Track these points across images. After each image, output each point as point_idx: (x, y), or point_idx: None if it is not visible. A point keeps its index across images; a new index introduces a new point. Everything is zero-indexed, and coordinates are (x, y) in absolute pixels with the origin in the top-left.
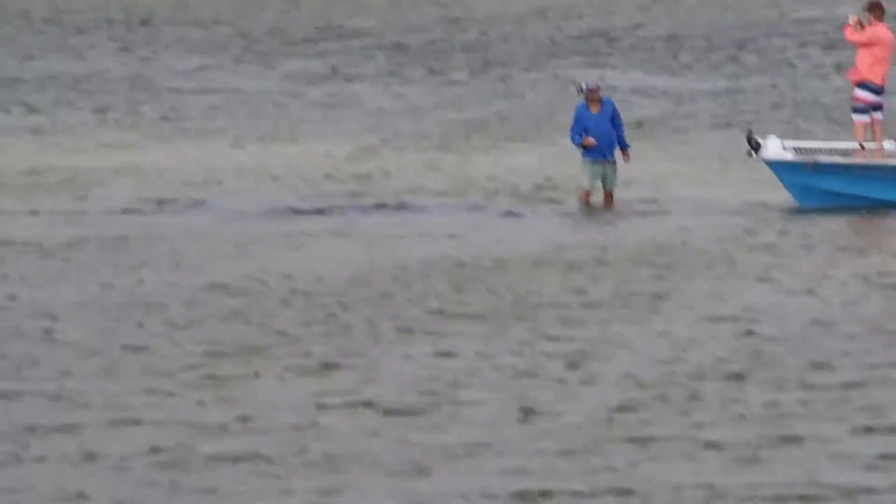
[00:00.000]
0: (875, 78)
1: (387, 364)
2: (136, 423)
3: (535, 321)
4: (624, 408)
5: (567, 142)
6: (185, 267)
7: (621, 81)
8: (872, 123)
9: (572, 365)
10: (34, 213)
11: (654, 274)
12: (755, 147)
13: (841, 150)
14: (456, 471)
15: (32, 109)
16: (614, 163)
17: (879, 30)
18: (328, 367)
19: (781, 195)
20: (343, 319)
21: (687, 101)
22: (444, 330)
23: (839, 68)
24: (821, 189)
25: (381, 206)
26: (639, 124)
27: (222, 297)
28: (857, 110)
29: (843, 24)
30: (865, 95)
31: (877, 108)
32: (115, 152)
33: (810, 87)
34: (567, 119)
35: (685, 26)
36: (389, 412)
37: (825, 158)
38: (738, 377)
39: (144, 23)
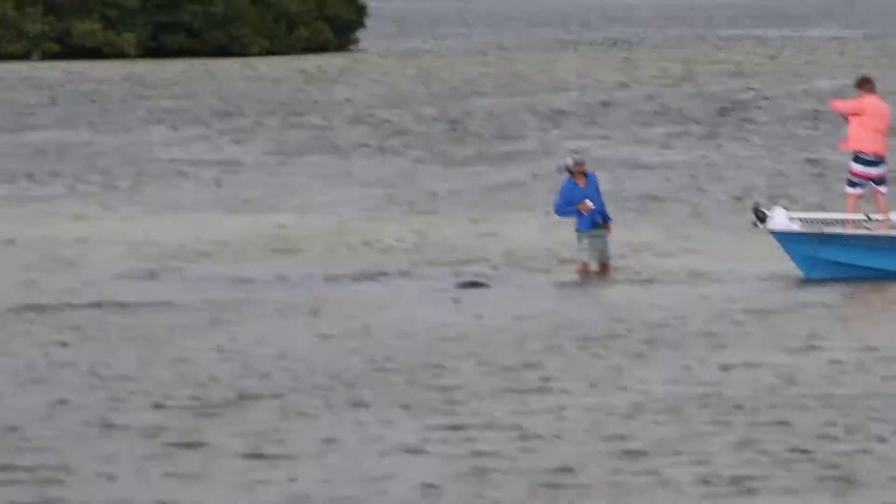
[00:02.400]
0: (865, 149)
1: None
2: None
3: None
4: None
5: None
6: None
7: (606, 154)
8: (875, 196)
9: None
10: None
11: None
12: (761, 218)
13: (847, 221)
14: None
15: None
16: (604, 234)
17: (867, 100)
18: None
19: (787, 266)
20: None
21: (678, 173)
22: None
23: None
24: (827, 260)
25: (383, 274)
26: (652, 198)
27: None
28: (850, 183)
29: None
30: (858, 169)
31: (878, 181)
32: (96, 223)
33: (799, 157)
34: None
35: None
36: None
37: (832, 230)
38: None
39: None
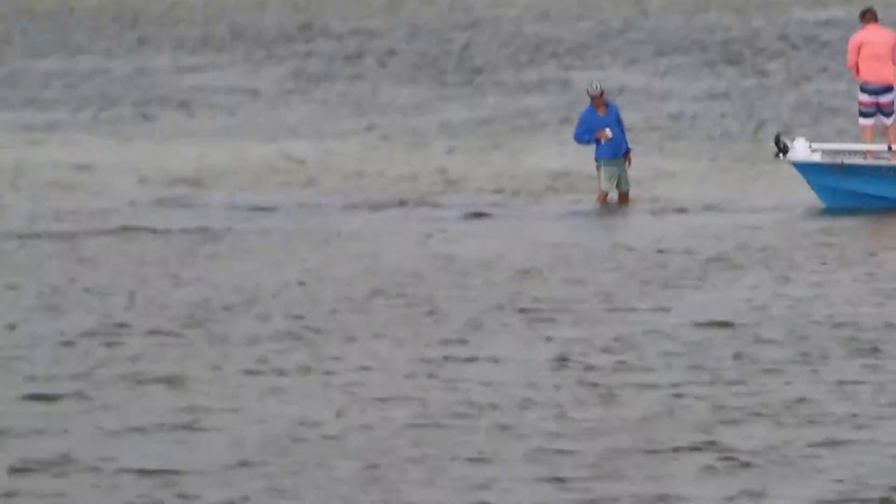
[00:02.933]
0: (869, 78)
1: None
2: None
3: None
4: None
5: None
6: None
7: (626, 83)
8: (885, 130)
9: None
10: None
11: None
12: (783, 149)
13: (867, 151)
14: None
15: (34, 106)
16: (624, 164)
17: (867, 30)
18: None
19: (808, 196)
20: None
21: (698, 104)
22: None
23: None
24: (847, 190)
25: (403, 204)
26: (672, 128)
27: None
28: (861, 114)
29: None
30: (865, 98)
31: (885, 113)
32: (106, 150)
33: (818, 89)
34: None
35: (678, 28)
36: None
37: (852, 160)
38: None
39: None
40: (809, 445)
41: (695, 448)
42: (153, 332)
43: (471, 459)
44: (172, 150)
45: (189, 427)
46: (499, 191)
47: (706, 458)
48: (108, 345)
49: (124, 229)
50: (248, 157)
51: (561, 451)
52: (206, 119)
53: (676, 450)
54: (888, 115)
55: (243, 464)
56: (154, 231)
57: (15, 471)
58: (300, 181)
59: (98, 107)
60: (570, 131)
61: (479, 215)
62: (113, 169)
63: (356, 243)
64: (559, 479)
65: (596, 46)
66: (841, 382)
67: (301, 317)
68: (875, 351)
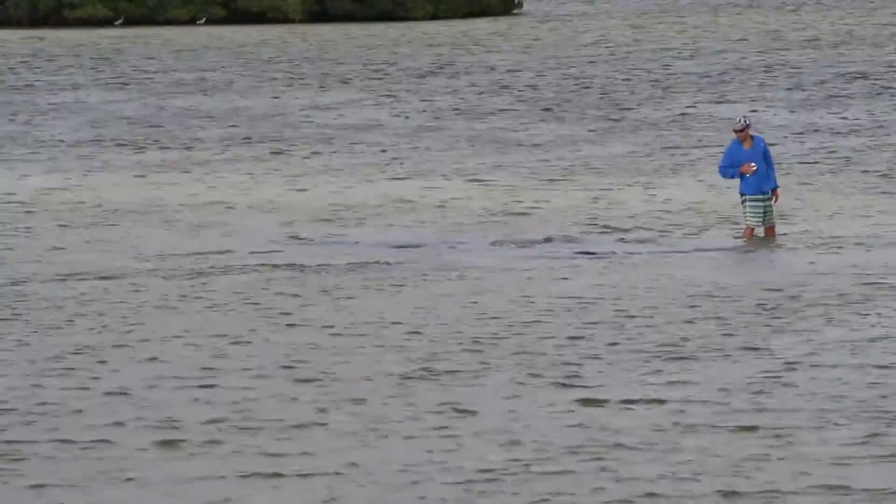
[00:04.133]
0: None
1: None
2: None
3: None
4: None
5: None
6: None
7: (768, 117)
8: None
9: None
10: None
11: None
12: None
13: None
14: None
15: (169, 147)
16: (770, 198)
17: None
18: None
19: None
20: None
21: (843, 137)
22: None
23: None
24: None
25: (534, 242)
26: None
27: None
28: None
29: None
30: None
31: None
32: (247, 188)
33: None
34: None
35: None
36: None
37: None
38: None
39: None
40: None
41: None
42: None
43: None
44: (311, 187)
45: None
46: (644, 227)
47: None
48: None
49: (262, 266)
50: (387, 193)
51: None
52: (344, 156)
53: None
54: None
55: None
56: (293, 267)
57: None
58: (440, 218)
59: (235, 144)
60: (711, 167)
61: (624, 252)
62: (250, 207)
63: (505, 278)
64: None
65: (736, 80)
66: None
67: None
68: None
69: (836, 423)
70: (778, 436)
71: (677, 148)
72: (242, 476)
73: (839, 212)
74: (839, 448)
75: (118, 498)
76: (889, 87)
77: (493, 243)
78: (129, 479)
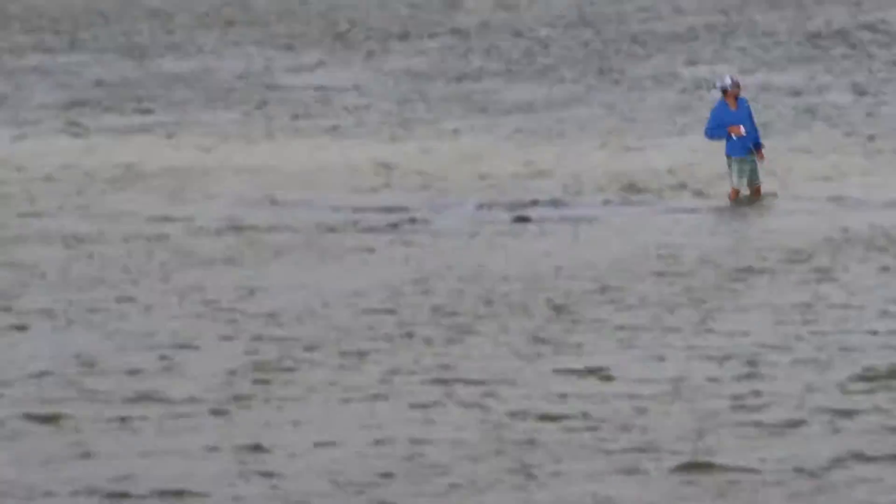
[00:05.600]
0: None
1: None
2: None
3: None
4: None
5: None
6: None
7: (749, 78)
8: None
9: None
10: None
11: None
12: None
13: None
14: None
15: (148, 109)
16: (755, 158)
17: None
18: None
19: None
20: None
21: (827, 97)
22: None
23: None
24: None
25: (535, 203)
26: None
27: None
28: None
29: None
30: None
31: None
32: (216, 151)
33: None
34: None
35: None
36: None
37: None
38: None
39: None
40: None
41: None
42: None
43: None
44: (286, 149)
45: None
46: (626, 188)
47: None
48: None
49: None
50: (367, 156)
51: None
52: (321, 119)
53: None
54: None
55: None
56: (258, 229)
57: None
58: (421, 181)
59: (207, 106)
60: (695, 128)
61: (610, 213)
62: (223, 168)
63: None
64: None
65: (718, 41)
66: None
67: (453, 313)
68: None
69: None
70: None
71: (659, 109)
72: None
73: (819, 172)
74: None
75: None
76: (865, 47)
77: (480, 206)
78: None
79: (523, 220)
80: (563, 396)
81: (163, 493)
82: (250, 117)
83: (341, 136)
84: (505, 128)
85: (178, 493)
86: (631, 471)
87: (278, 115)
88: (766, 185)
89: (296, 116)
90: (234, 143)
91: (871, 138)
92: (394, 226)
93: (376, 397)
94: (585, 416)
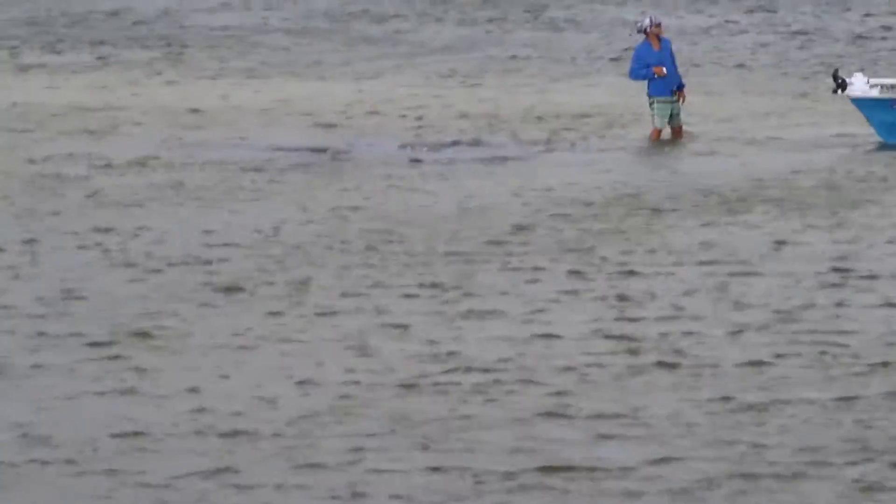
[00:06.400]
0: None
1: None
2: None
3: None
4: None
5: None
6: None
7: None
8: None
9: None
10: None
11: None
12: (841, 85)
13: None
14: None
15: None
16: (677, 99)
17: None
18: None
19: (867, 132)
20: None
21: (751, 39)
22: None
23: None
24: None
25: (456, 143)
26: (725, 64)
27: None
28: None
29: None
30: None
31: None
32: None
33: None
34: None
35: None
36: None
37: None
38: None
39: None
40: None
41: None
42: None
43: None
44: (200, 89)
45: None
46: (545, 128)
47: None
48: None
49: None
50: (285, 96)
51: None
52: (235, 59)
53: None
54: None
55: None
56: (173, 166)
57: None
58: (340, 122)
59: (123, 47)
60: (617, 68)
61: (528, 153)
62: (135, 108)
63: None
64: None
65: None
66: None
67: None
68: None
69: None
70: None
71: (582, 50)
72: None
73: (741, 113)
74: None
75: None
76: None
77: (402, 146)
78: None
79: (417, 161)
80: (458, 339)
81: None
82: (165, 57)
83: (257, 77)
84: (425, 68)
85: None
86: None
87: (193, 55)
88: (686, 127)
89: (212, 57)
90: (148, 83)
91: (788, 78)
92: (307, 166)
93: (263, 339)
94: (474, 360)
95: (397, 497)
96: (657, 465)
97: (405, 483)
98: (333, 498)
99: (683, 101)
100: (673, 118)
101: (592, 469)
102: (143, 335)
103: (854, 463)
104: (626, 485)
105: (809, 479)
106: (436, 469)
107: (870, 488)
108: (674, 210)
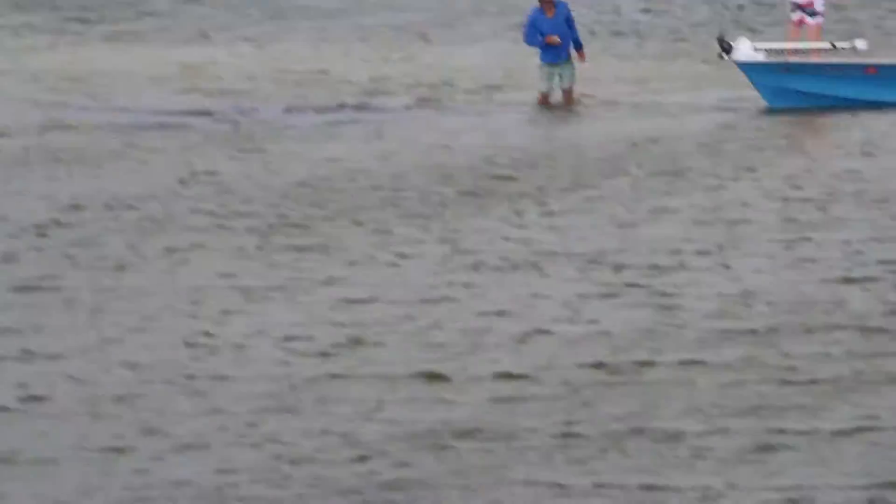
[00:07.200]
0: None
1: None
2: None
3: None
4: None
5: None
6: None
7: None
8: (808, 29)
9: None
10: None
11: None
12: (726, 49)
13: (812, 50)
14: None
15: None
16: (570, 62)
17: None
18: None
19: (752, 96)
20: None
21: (637, 4)
22: None
23: None
24: (792, 90)
25: (342, 107)
26: (615, 29)
27: None
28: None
29: None
30: None
31: (809, 12)
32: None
33: None
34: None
35: None
36: None
37: (796, 59)
38: None
39: None
40: None
41: None
42: None
43: None
44: (86, 53)
45: None
46: (431, 91)
47: None
48: None
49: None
50: (171, 60)
51: None
52: (122, 22)
53: None
54: (812, 14)
55: None
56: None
57: None
58: (225, 86)
59: (11, 9)
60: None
61: (409, 117)
62: (21, 71)
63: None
64: None
65: None
66: None
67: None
68: None
69: None
70: None
71: (472, 13)
72: None
73: (628, 77)
74: None
75: None
76: None
77: (287, 110)
78: None
79: (293, 127)
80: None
81: None
82: (51, 21)
83: (143, 41)
84: (307, 33)
85: None
86: None
87: (79, 19)
88: (579, 89)
89: (99, 20)
90: (35, 47)
91: (678, 42)
92: (192, 128)
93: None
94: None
95: None
96: None
97: None
98: None
99: (583, 60)
100: (563, 79)
101: None
102: None
103: None
104: None
105: None
106: None
107: None
108: (526, 178)
